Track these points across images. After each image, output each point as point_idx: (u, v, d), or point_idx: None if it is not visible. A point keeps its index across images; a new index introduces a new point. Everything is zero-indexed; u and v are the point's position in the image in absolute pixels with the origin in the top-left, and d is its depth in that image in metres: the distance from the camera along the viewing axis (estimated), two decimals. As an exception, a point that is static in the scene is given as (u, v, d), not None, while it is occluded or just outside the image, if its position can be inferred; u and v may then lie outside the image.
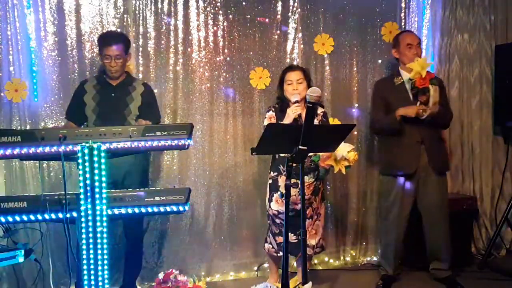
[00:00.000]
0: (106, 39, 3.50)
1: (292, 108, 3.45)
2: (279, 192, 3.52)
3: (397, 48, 3.92)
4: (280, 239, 3.56)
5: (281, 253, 3.54)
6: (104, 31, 3.78)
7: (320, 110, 3.66)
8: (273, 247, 3.64)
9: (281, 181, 3.53)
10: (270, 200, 3.62)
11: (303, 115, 3.43)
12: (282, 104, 3.62)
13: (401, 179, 3.82)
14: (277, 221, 3.57)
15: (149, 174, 3.94)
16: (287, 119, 3.44)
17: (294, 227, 3.44)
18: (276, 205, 3.56)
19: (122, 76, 3.58)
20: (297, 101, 3.45)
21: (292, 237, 3.51)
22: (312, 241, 3.58)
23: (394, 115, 3.72)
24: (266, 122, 3.63)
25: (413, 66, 3.64)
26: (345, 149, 3.38)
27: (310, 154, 3.36)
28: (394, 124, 3.75)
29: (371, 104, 4.14)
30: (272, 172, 3.64)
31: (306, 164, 3.46)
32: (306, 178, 3.38)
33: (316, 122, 3.52)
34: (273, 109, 3.66)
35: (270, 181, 3.65)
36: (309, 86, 3.54)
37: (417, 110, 3.64)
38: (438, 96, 3.62)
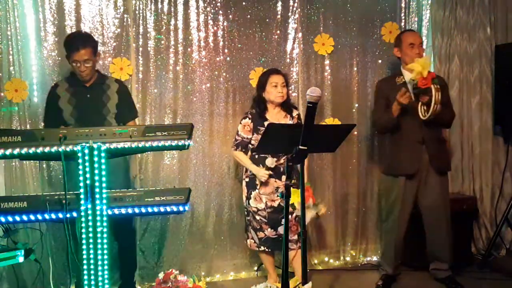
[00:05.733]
0: (73, 43, 3.33)
1: (261, 174, 3.57)
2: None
3: (399, 47, 3.88)
4: (261, 234, 3.68)
5: (262, 248, 3.71)
6: (87, 32, 3.67)
7: (295, 113, 3.79)
8: (255, 242, 3.72)
9: (258, 180, 3.65)
10: (248, 198, 3.72)
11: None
12: (260, 110, 3.68)
13: (402, 179, 3.81)
14: (257, 217, 3.69)
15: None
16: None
17: (273, 223, 3.64)
18: (255, 202, 3.68)
19: (93, 76, 3.49)
20: (270, 168, 3.58)
21: (272, 233, 3.64)
22: (294, 237, 3.64)
23: (391, 111, 3.68)
24: (239, 129, 3.72)
25: (414, 67, 3.60)
26: (313, 212, 3.53)
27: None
28: (391, 119, 3.70)
29: (373, 103, 4.12)
30: (249, 171, 3.71)
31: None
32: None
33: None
34: (250, 116, 3.71)
35: (247, 179, 3.74)
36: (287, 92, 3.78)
37: (407, 99, 3.57)
38: (440, 95, 3.57)
